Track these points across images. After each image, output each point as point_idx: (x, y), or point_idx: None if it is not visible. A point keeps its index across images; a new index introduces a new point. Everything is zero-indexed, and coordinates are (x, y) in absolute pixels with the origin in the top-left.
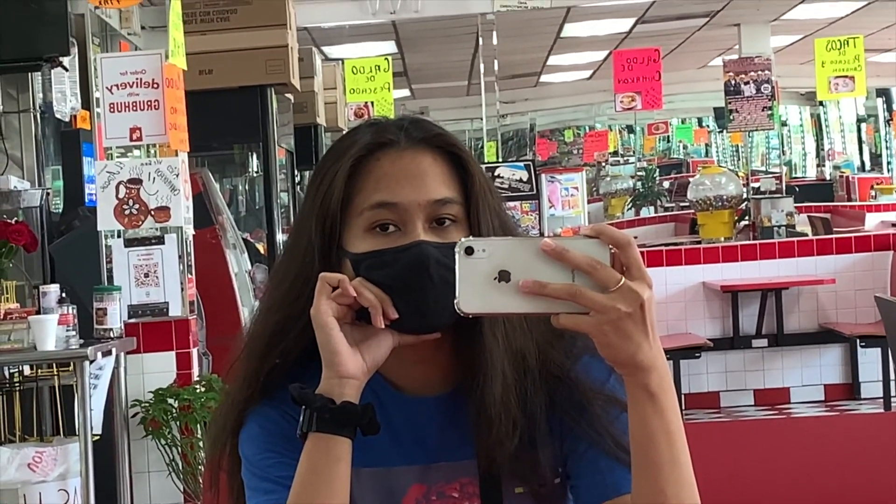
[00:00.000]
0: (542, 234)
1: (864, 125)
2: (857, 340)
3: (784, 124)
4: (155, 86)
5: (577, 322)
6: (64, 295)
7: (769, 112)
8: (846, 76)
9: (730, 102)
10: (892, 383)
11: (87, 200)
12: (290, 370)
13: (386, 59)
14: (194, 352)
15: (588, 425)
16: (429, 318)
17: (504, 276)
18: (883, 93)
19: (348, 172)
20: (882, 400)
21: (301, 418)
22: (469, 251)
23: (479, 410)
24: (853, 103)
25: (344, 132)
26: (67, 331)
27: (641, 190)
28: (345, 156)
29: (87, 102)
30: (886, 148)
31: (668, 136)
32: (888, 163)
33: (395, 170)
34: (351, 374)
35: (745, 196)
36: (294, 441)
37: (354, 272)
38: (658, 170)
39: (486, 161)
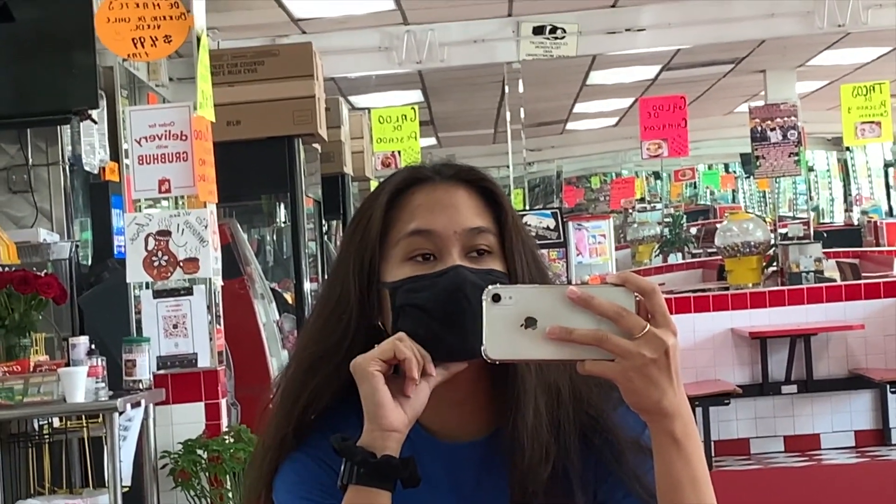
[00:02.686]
0: (569, 282)
1: (891, 170)
2: (888, 386)
3: (811, 169)
4: (183, 138)
5: (602, 368)
6: (93, 347)
7: (796, 158)
8: (873, 122)
9: (756, 149)
10: None
11: (115, 252)
12: (322, 412)
13: (412, 108)
14: (223, 402)
15: (624, 474)
16: (467, 342)
17: (531, 322)
18: None
19: (385, 207)
20: None
21: (342, 469)
22: (496, 298)
23: (512, 437)
24: (880, 148)
25: (372, 181)
26: (97, 382)
27: (669, 236)
28: (380, 194)
29: (115, 154)
30: None
31: (695, 183)
32: None
33: (429, 200)
34: (394, 428)
35: (772, 242)
36: (329, 488)
37: (392, 300)
38: (685, 216)
39: None
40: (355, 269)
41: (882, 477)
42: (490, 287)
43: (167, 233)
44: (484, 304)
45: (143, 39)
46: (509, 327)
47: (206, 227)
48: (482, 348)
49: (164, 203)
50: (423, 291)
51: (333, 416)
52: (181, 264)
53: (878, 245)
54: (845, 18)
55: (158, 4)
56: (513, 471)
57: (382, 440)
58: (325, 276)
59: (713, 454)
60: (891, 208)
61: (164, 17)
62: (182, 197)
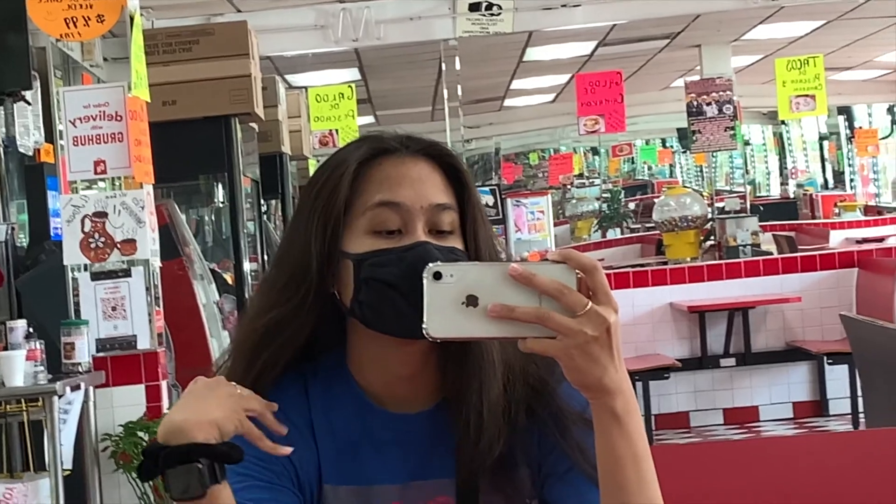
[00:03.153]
0: (509, 259)
1: (826, 143)
2: (825, 358)
3: (747, 143)
4: (118, 118)
5: (544, 346)
6: (31, 330)
7: (732, 132)
8: (807, 95)
9: (692, 123)
10: (860, 400)
11: (52, 234)
12: (274, 380)
13: (349, 86)
14: (164, 384)
15: (569, 447)
16: None
17: (472, 300)
18: (844, 110)
19: (353, 175)
20: (850, 416)
21: (196, 474)
22: (437, 276)
23: (471, 415)
24: (815, 121)
25: (310, 160)
26: (35, 366)
27: (607, 212)
28: (346, 161)
29: (50, 136)
30: (849, 165)
31: (633, 158)
32: (851, 180)
33: (397, 173)
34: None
35: (710, 216)
36: (269, 462)
37: (356, 272)
38: (623, 191)
39: None
40: (318, 236)
41: (820, 449)
42: (431, 264)
43: (104, 214)
44: (425, 281)
45: (75, 19)
46: (450, 305)
47: (143, 207)
48: (423, 326)
49: (101, 184)
50: (389, 266)
51: (276, 389)
52: (118, 246)
53: (813, 218)
54: None
55: None
56: (464, 444)
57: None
58: (272, 249)
59: (653, 428)
60: (826, 181)
61: None
62: (119, 178)
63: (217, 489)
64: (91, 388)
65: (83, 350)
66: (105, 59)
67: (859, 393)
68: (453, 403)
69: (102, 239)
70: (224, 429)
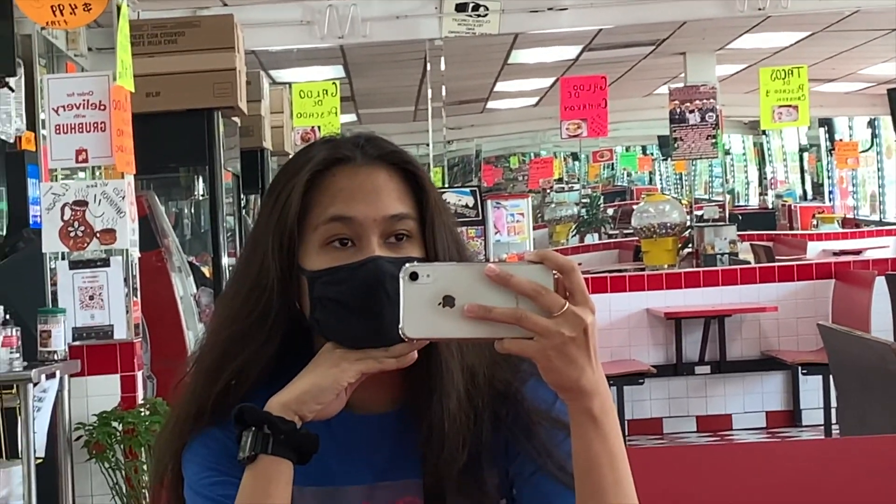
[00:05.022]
0: (487, 260)
1: (806, 154)
2: (799, 368)
3: (727, 153)
4: (102, 107)
5: (521, 346)
6: (7, 317)
7: (713, 140)
8: (790, 105)
9: (674, 130)
10: (833, 410)
11: (31, 222)
12: (242, 394)
13: (333, 83)
14: (139, 375)
15: (534, 448)
16: (384, 334)
17: (449, 301)
18: (825, 123)
19: (304, 188)
20: (823, 427)
21: (250, 439)
22: (414, 276)
23: (432, 426)
24: (796, 133)
25: (296, 152)
26: (11, 353)
27: (586, 217)
28: (301, 171)
29: (32, 124)
30: (828, 177)
31: (613, 164)
32: (829, 192)
33: (350, 185)
34: (308, 420)
35: (688, 224)
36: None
37: (310, 290)
38: (602, 197)
39: None
40: (274, 250)
41: (791, 457)
42: (407, 265)
43: (84, 203)
44: (401, 282)
45: (62, 7)
46: (427, 306)
47: (123, 198)
48: (399, 327)
49: (82, 174)
50: (340, 284)
51: (251, 398)
52: (98, 235)
53: (791, 228)
54: (766, 2)
55: None
56: (428, 459)
57: (293, 415)
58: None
59: (627, 433)
60: (805, 192)
61: None
62: (100, 167)
63: (268, 461)
64: (66, 377)
65: (59, 338)
66: (90, 49)
67: (832, 404)
68: (414, 411)
69: (82, 228)
70: (298, 411)
